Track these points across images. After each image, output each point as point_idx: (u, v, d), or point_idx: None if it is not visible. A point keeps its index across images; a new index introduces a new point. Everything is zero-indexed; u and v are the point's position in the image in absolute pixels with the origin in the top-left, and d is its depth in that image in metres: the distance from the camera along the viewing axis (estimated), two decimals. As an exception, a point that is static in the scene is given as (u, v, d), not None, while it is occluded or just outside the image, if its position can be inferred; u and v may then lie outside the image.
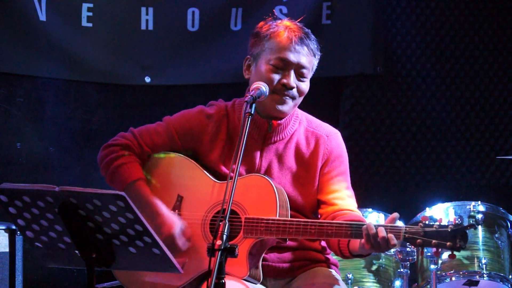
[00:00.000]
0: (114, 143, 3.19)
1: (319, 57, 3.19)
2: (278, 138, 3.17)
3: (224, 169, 3.13)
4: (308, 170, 3.17)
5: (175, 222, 3.04)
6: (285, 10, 5.05)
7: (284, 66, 3.09)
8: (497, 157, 5.43)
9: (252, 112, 2.82)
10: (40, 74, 4.94)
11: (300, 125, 3.22)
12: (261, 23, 3.20)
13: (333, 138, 3.22)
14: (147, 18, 5.04)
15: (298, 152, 3.18)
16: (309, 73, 3.15)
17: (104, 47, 5.02)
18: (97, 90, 5.09)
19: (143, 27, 5.05)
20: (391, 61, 5.45)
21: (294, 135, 3.19)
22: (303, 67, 3.10)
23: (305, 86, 3.14)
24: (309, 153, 3.18)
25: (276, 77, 3.09)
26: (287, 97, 3.09)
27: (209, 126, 3.19)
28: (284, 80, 3.08)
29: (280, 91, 3.08)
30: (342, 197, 3.15)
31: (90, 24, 4.94)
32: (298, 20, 3.21)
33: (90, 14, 4.93)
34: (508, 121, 5.58)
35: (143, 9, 5.05)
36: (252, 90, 2.94)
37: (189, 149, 3.20)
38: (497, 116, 5.58)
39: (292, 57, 3.09)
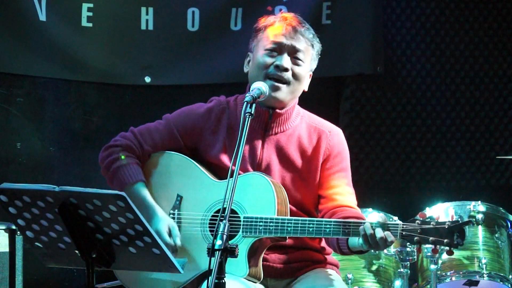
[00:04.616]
0: (115, 144, 3.20)
1: (318, 49, 3.20)
2: (279, 130, 3.17)
3: (226, 162, 3.13)
4: (310, 165, 3.17)
5: (167, 220, 3.06)
6: (285, 10, 5.04)
7: (278, 49, 3.11)
8: (497, 157, 5.43)
9: (252, 112, 2.82)
10: (40, 74, 4.93)
11: (302, 121, 3.22)
12: (259, 19, 3.23)
13: (335, 135, 3.22)
14: (147, 18, 5.04)
15: (300, 147, 3.18)
16: (305, 58, 3.14)
17: (104, 47, 5.02)
18: (97, 90, 5.09)
19: (143, 27, 5.05)
20: (391, 61, 5.44)
21: (295, 129, 3.19)
22: (297, 50, 3.12)
23: (301, 70, 3.13)
24: (311, 148, 3.18)
25: (270, 60, 3.11)
26: (281, 83, 3.09)
27: (209, 120, 3.19)
28: (277, 62, 3.09)
29: (274, 75, 3.09)
30: (342, 193, 3.15)
31: (90, 24, 4.93)
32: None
33: (90, 14, 4.93)
34: (508, 121, 5.57)
35: (143, 9, 5.04)
36: (252, 90, 2.95)
37: (191, 146, 3.20)
38: (497, 116, 5.57)
39: (285, 40, 3.11)
